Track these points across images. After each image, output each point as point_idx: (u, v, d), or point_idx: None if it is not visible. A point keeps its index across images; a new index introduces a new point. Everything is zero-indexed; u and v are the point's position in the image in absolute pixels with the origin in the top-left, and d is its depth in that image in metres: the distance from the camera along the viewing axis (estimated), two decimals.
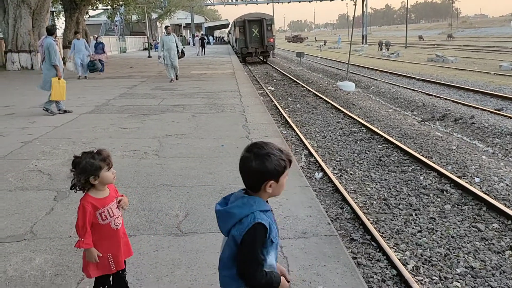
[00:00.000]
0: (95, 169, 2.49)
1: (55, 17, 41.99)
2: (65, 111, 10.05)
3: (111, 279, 2.81)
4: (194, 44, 58.36)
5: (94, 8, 38.74)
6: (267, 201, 1.96)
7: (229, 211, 1.88)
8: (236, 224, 1.86)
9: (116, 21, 49.61)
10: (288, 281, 2.06)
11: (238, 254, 1.88)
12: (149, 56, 33.69)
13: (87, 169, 2.48)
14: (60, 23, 42.89)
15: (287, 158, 1.89)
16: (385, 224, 5.31)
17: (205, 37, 44.94)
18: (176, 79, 16.71)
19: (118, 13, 42.77)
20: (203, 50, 37.29)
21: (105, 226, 2.59)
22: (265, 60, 34.67)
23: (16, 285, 3.20)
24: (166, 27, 17.53)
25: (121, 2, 34.33)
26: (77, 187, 2.55)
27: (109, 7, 37.09)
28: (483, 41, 59.60)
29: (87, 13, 32.92)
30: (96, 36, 24.26)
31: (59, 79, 9.82)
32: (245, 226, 1.83)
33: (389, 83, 19.08)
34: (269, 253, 1.92)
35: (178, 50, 16.36)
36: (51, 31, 10.18)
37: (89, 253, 2.57)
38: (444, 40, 69.14)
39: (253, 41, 32.31)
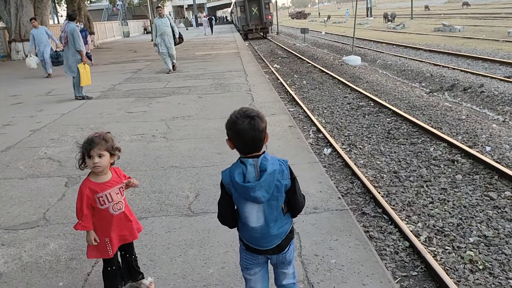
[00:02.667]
0: (82, 154, 2.57)
1: (56, 4, 41.73)
2: (83, 97, 10.06)
3: (120, 262, 2.85)
4: (197, 26, 58.22)
5: None
6: None
7: (271, 171, 2.05)
8: (278, 176, 2.08)
9: (117, 5, 49.22)
10: None
11: (295, 193, 2.16)
12: (152, 40, 33.50)
13: (81, 153, 2.58)
14: (62, 11, 42.78)
15: None
16: (396, 196, 5.29)
17: (213, 17, 48.08)
18: (174, 69, 14.19)
19: None
20: (211, 30, 39.76)
21: (103, 210, 2.62)
22: (264, 36, 37.91)
23: (31, 270, 3.25)
24: (157, 8, 14.76)
25: None
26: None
27: None
28: (490, 8, 58.40)
29: None
30: (77, 21, 20.55)
31: (84, 64, 9.86)
32: (286, 171, 2.11)
33: (396, 55, 18.84)
34: None
35: (174, 36, 13.83)
36: (72, 16, 10.10)
37: (87, 235, 2.64)
38: (456, 8, 67.56)
39: (253, 18, 36.10)
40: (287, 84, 13.43)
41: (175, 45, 13.95)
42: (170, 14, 74.79)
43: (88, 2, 33.84)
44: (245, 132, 2.03)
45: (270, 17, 37.08)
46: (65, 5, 30.37)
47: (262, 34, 37.93)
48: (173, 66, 14.20)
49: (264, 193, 2.05)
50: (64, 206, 4.30)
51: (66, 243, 3.60)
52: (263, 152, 2.10)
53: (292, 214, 2.25)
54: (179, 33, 14.17)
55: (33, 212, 4.22)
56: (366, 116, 9.12)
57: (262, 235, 2.17)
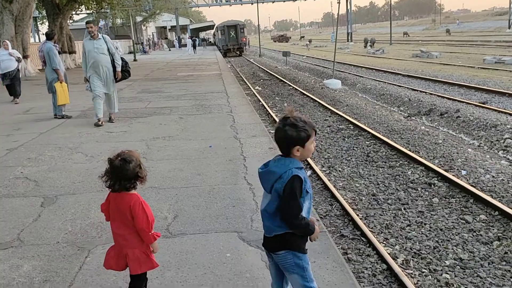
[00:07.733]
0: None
1: (38, 23, 41.53)
2: (62, 116, 9.96)
3: None
4: (180, 47, 58.80)
5: (78, 12, 38.38)
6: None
7: (270, 170, 2.32)
8: (277, 180, 2.28)
9: (100, 25, 49.22)
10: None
11: (282, 203, 2.29)
12: (135, 60, 33.58)
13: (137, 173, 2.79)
14: (44, 29, 42.54)
15: (310, 128, 2.29)
16: (375, 219, 5.34)
17: (196, 39, 56.15)
18: (110, 120, 9.18)
19: (102, 18, 42.37)
20: (194, 50, 45.69)
21: None
22: (240, 54, 47.29)
23: None
24: (86, 23, 8.97)
25: (105, 6, 33.99)
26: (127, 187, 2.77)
27: (93, 11, 36.81)
28: (466, 35, 60.16)
29: (71, 17, 32.63)
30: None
31: (61, 83, 9.83)
32: (285, 179, 2.26)
33: (375, 80, 19.20)
34: (304, 201, 2.33)
35: (115, 65, 8.86)
36: (50, 35, 10.12)
37: (154, 247, 2.88)
38: (433, 35, 69.48)
39: (231, 40, 46.33)
40: (268, 106, 13.54)
41: (116, 81, 9.11)
42: (152, 36, 74.47)
43: (71, 21, 33.73)
44: (276, 132, 2.36)
45: (244, 39, 47.85)
46: (47, 24, 30.19)
47: (238, 53, 47.26)
48: (110, 117, 9.29)
49: (264, 184, 2.37)
50: (39, 226, 4.22)
51: (40, 264, 3.52)
52: (288, 156, 2.33)
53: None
54: (125, 63, 9.20)
55: (7, 232, 4.13)
56: (346, 139, 9.23)
57: (262, 218, 2.45)
